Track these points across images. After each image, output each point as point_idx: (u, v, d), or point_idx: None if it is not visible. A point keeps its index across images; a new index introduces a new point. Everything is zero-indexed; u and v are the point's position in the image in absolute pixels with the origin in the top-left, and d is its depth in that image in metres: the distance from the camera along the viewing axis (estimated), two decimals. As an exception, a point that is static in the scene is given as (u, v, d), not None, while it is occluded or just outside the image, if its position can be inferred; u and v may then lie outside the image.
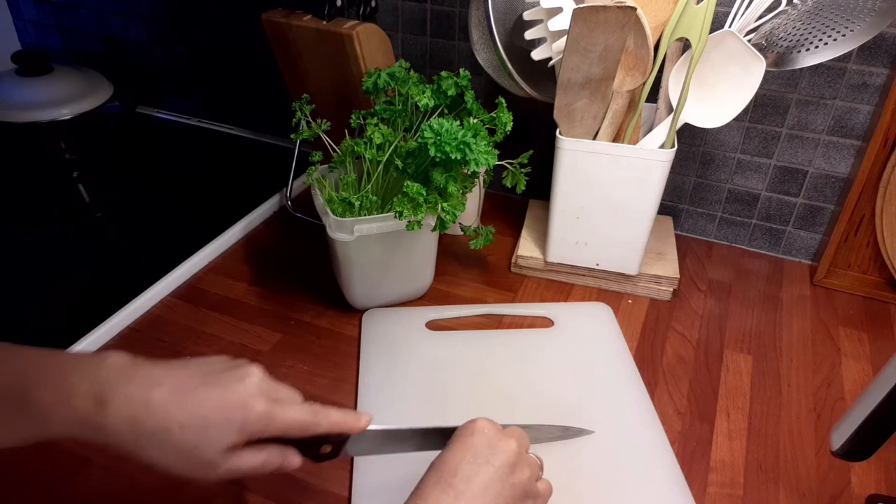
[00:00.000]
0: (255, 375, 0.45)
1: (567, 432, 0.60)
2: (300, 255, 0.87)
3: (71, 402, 0.40)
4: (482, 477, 0.45)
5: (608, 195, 0.75)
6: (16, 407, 0.41)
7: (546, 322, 0.77)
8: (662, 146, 0.74)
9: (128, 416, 0.41)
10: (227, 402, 0.43)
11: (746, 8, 0.70)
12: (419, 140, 0.66)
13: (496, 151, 0.67)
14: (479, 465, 0.45)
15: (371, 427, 0.48)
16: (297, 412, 0.45)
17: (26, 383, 0.41)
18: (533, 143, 0.92)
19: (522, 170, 0.75)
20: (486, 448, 0.46)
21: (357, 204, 0.69)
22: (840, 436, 0.46)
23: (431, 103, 0.72)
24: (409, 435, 0.51)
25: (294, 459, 0.46)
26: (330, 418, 0.46)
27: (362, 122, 0.74)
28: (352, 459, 0.60)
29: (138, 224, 0.93)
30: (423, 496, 0.44)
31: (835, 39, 0.66)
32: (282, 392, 0.46)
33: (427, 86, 0.74)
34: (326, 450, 0.48)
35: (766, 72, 0.69)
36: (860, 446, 0.46)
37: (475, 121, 0.70)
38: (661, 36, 0.71)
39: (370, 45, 0.82)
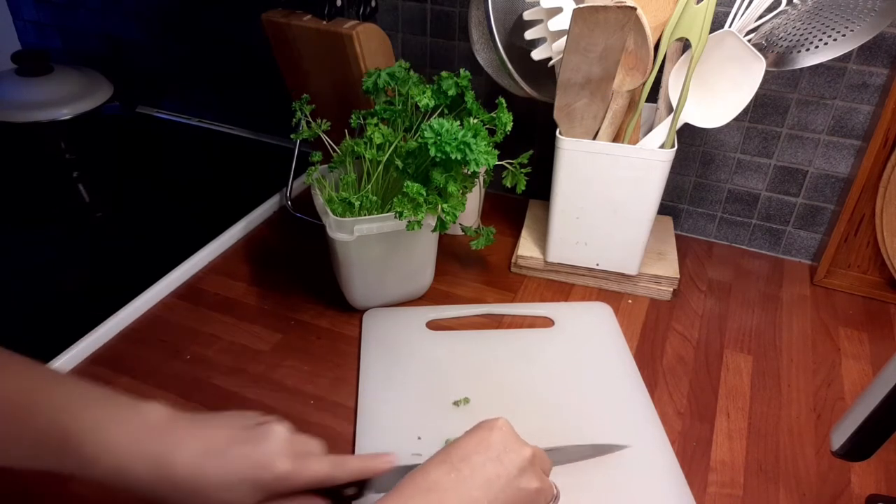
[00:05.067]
0: (280, 434, 0.46)
1: (598, 450, 0.59)
2: (300, 255, 0.87)
3: (110, 456, 0.42)
4: (489, 470, 0.45)
5: (608, 195, 0.76)
6: (59, 448, 0.43)
7: (546, 322, 0.77)
8: (662, 146, 0.74)
9: (161, 475, 0.43)
10: (253, 462, 0.45)
11: (746, 8, 0.70)
12: (419, 140, 0.66)
13: (496, 151, 0.67)
14: (489, 458, 0.45)
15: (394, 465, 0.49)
16: (319, 467, 0.47)
17: (72, 430, 0.43)
18: (533, 143, 0.92)
19: (522, 170, 0.75)
20: (501, 445, 0.46)
21: (357, 204, 0.69)
22: (840, 436, 0.46)
23: (431, 103, 0.72)
24: None
25: None
26: (349, 468, 0.48)
27: (362, 122, 0.74)
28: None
29: (138, 224, 0.93)
30: (425, 471, 0.45)
31: (835, 39, 0.66)
32: (306, 445, 0.47)
33: (427, 86, 0.74)
34: (350, 492, 0.49)
35: (766, 72, 0.69)
36: (860, 446, 0.46)
37: (475, 121, 0.70)
38: (661, 36, 0.71)
39: (370, 45, 0.82)
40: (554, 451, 0.57)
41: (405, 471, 0.49)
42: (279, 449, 0.45)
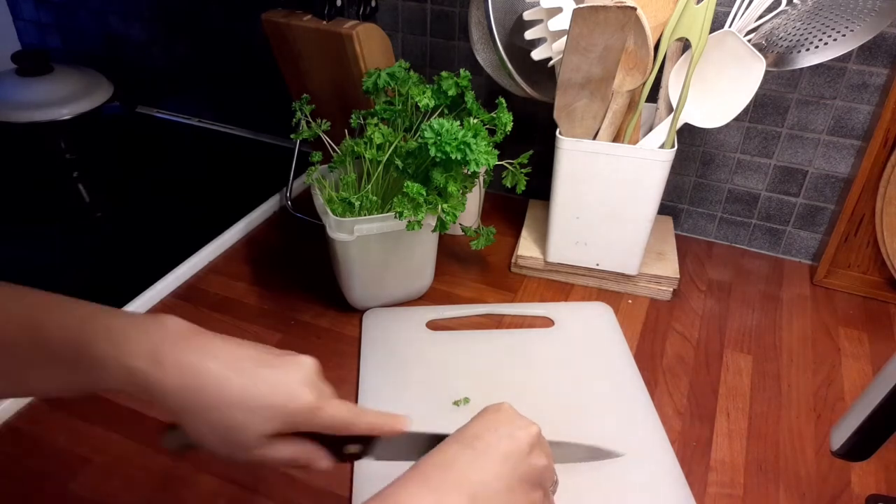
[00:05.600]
0: (308, 366, 0.45)
1: (595, 453, 0.59)
2: (300, 255, 0.87)
3: (128, 359, 0.40)
4: (504, 446, 0.45)
5: (608, 195, 0.76)
6: (73, 357, 0.41)
7: (546, 322, 0.77)
8: (662, 146, 0.74)
9: (180, 382, 0.41)
10: (279, 387, 0.43)
11: (746, 8, 0.71)
12: (419, 140, 0.66)
13: (496, 151, 0.67)
14: (501, 435, 0.45)
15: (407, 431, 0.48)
16: (339, 409, 0.45)
17: (85, 336, 0.41)
18: (533, 143, 0.92)
19: (522, 170, 0.75)
20: (510, 424, 0.47)
21: (357, 204, 0.69)
22: (840, 436, 0.46)
23: (432, 103, 0.72)
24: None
25: (323, 462, 0.46)
26: (367, 420, 0.46)
27: (362, 122, 0.74)
28: (352, 465, 0.60)
29: (138, 224, 0.93)
30: (440, 451, 0.44)
31: (835, 39, 0.66)
32: (327, 388, 0.46)
33: (427, 86, 0.74)
34: (352, 450, 0.47)
35: (766, 72, 0.69)
36: (860, 446, 0.46)
37: (475, 121, 0.70)
38: (661, 36, 0.71)
39: (370, 45, 0.82)
40: (553, 445, 0.57)
41: (411, 440, 0.48)
42: (306, 380, 0.44)
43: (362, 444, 0.47)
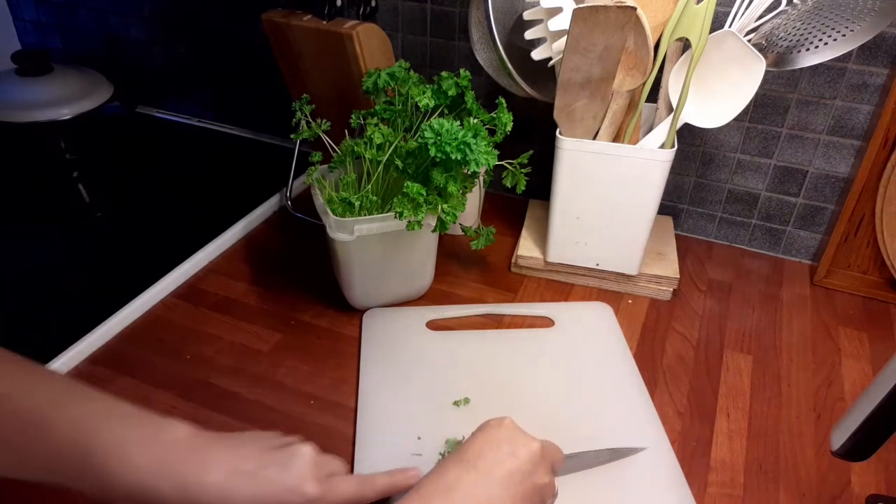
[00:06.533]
0: (306, 456, 0.46)
1: (617, 454, 0.59)
2: (300, 255, 0.87)
3: (134, 476, 0.41)
4: (506, 466, 0.45)
5: (608, 195, 0.76)
6: (79, 463, 0.41)
7: (546, 322, 0.77)
8: (662, 146, 0.74)
9: (188, 496, 0.42)
10: (283, 487, 0.44)
11: (746, 8, 0.70)
12: (419, 140, 0.66)
13: (496, 151, 0.67)
14: (504, 454, 0.46)
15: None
16: (347, 487, 0.46)
17: (91, 443, 0.41)
18: (533, 143, 0.92)
19: (522, 170, 0.75)
20: (512, 441, 0.47)
21: (357, 204, 0.69)
22: (840, 436, 0.46)
23: (431, 103, 0.72)
24: None
25: None
26: (377, 487, 0.48)
27: (362, 122, 0.74)
28: (352, 466, 0.60)
29: (138, 224, 0.93)
30: (442, 472, 0.45)
31: (835, 39, 0.66)
32: (330, 465, 0.47)
33: (427, 86, 0.74)
34: None
35: (766, 72, 0.69)
36: (860, 446, 0.46)
37: (475, 121, 0.70)
38: (661, 36, 0.71)
39: (370, 45, 0.82)
40: (572, 457, 0.57)
41: None
42: (307, 471, 0.45)
43: (383, 502, 0.49)
